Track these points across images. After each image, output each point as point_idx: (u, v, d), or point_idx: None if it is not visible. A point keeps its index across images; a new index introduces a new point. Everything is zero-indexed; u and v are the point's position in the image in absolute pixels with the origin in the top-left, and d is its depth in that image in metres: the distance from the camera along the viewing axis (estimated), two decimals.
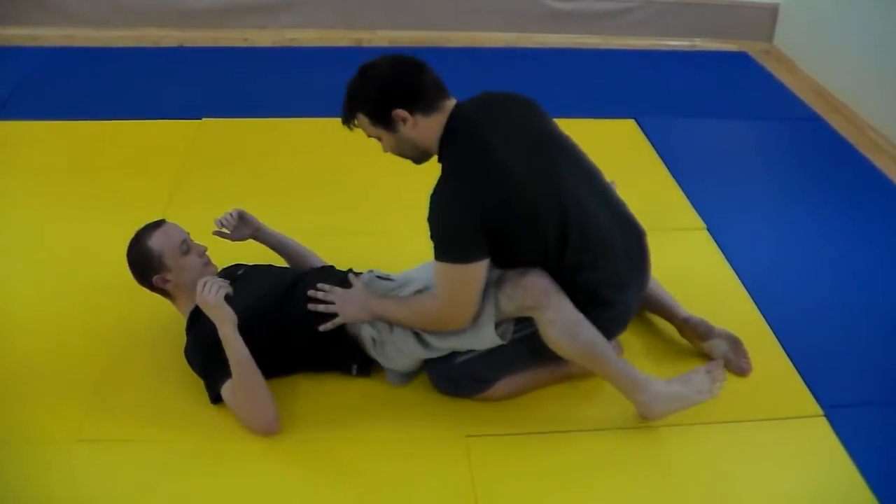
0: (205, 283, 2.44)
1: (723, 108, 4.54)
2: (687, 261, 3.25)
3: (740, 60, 5.22)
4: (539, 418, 2.51)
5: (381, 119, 2.33)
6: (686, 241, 3.36)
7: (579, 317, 2.33)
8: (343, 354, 2.57)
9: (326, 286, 2.52)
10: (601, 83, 4.79)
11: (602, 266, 2.38)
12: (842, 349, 2.84)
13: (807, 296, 3.08)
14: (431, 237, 2.30)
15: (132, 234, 2.64)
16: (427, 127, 2.34)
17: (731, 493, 2.33)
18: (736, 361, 2.71)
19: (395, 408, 2.52)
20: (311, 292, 2.51)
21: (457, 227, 2.28)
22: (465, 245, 2.27)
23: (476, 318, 2.34)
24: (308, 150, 3.90)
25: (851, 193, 3.77)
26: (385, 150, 2.44)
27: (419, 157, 2.43)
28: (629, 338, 2.79)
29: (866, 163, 4.04)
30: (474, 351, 2.43)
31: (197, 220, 2.82)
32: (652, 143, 4.07)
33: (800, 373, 2.72)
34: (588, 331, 2.35)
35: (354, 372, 2.59)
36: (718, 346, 2.73)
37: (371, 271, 2.68)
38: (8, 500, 2.21)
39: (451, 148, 2.34)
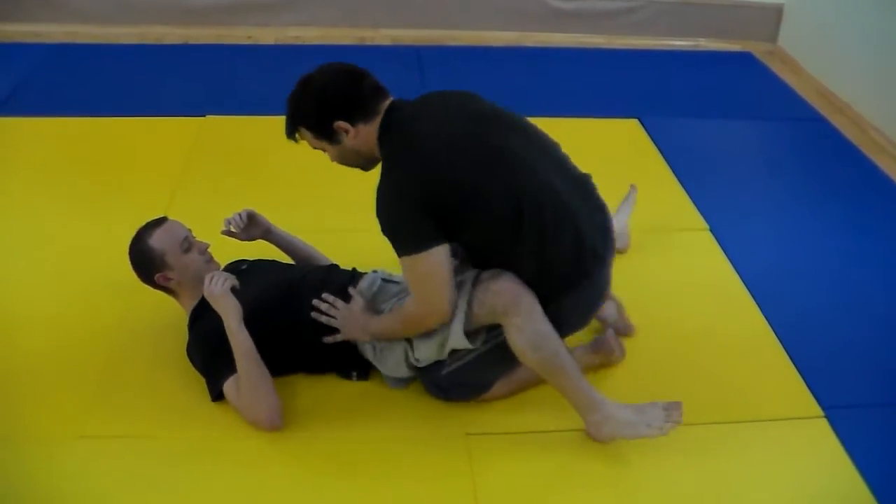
0: (212, 277, 2.46)
1: (726, 108, 4.54)
2: (689, 261, 3.25)
3: (744, 61, 5.22)
4: (540, 417, 2.51)
5: (324, 132, 2.34)
6: (689, 241, 3.37)
7: (548, 328, 2.30)
8: (343, 360, 2.57)
9: (330, 298, 2.50)
10: (604, 83, 4.78)
11: (569, 240, 2.32)
12: (843, 350, 2.84)
13: (808, 297, 3.08)
14: (383, 233, 2.30)
15: (135, 232, 2.64)
16: (368, 133, 2.33)
17: (732, 494, 2.33)
18: (623, 324, 2.80)
19: (396, 406, 2.52)
20: (315, 302, 2.50)
21: (400, 217, 2.26)
22: (413, 235, 2.25)
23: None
24: (311, 148, 3.89)
25: (854, 194, 3.76)
26: (332, 161, 2.45)
27: (365, 164, 2.43)
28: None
29: (869, 164, 4.04)
30: (458, 358, 2.41)
31: (200, 216, 2.82)
32: (655, 143, 4.07)
33: (801, 373, 2.72)
34: (553, 343, 2.31)
35: (354, 378, 2.60)
36: (609, 308, 2.78)
37: (376, 272, 2.67)
38: (11, 497, 2.22)
39: (384, 140, 2.33)
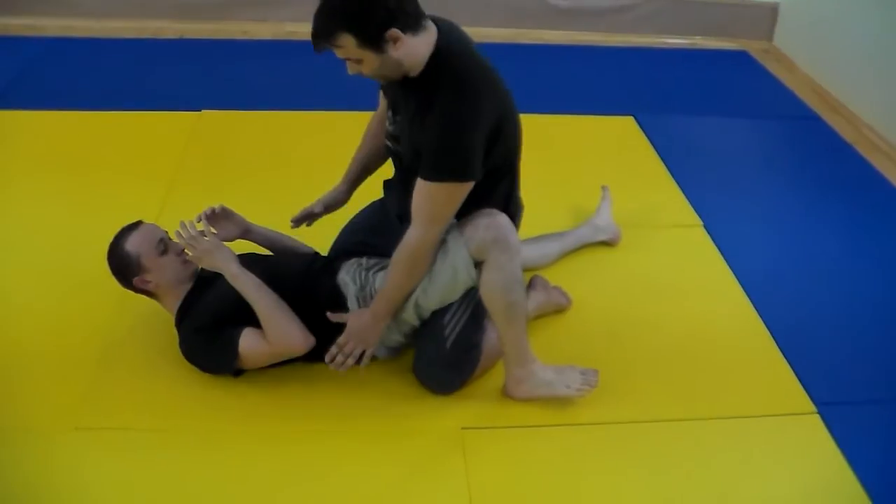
0: (189, 244, 2.49)
1: (721, 106, 4.55)
2: (683, 257, 3.26)
3: (740, 59, 5.23)
4: (534, 412, 2.51)
5: (372, 39, 2.16)
6: (682, 237, 3.37)
7: (521, 275, 2.38)
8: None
9: (341, 340, 2.45)
10: (600, 80, 4.79)
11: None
12: (836, 347, 2.85)
13: (802, 294, 3.09)
14: (437, 153, 2.24)
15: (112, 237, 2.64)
16: (416, 46, 2.22)
17: (723, 489, 2.33)
18: (562, 298, 2.92)
19: (391, 400, 2.53)
20: (328, 361, 2.46)
21: (471, 141, 2.23)
22: (470, 161, 2.24)
23: (445, 261, 2.37)
24: (308, 143, 3.90)
25: (848, 193, 3.78)
26: (356, 73, 2.28)
27: (395, 77, 2.30)
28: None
29: (864, 163, 4.05)
30: (456, 322, 2.46)
31: (195, 211, 2.81)
32: (650, 141, 4.08)
33: (794, 370, 2.73)
34: (522, 290, 2.42)
35: None
36: (553, 294, 2.91)
37: (356, 261, 2.66)
38: (4, 488, 2.22)
39: (448, 60, 2.27)
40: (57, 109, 4.11)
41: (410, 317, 2.49)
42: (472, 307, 2.48)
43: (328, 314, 2.47)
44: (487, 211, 2.37)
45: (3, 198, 3.42)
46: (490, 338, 2.55)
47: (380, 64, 2.22)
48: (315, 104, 4.19)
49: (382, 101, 2.67)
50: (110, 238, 2.60)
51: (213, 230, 2.67)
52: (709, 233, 3.38)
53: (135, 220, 2.66)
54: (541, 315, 2.86)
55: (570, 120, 4.26)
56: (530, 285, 2.88)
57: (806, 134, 4.31)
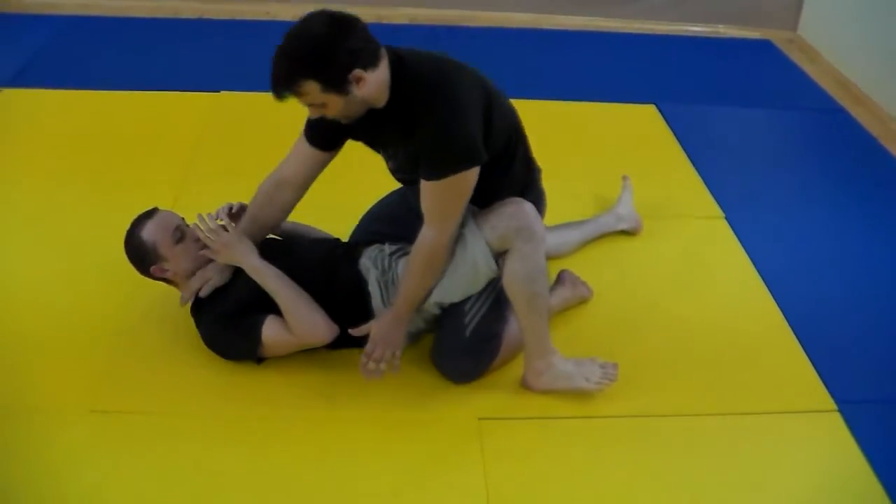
0: (207, 234, 2.48)
1: (744, 96, 4.50)
2: (704, 249, 3.23)
3: (763, 48, 5.17)
4: (551, 403, 2.50)
5: (337, 84, 2.13)
6: (704, 229, 3.34)
7: (545, 265, 2.37)
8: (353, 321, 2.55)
9: (368, 348, 2.41)
10: (622, 67, 4.75)
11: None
12: (858, 344, 2.83)
13: (824, 289, 3.06)
14: (435, 152, 2.22)
15: (142, 210, 2.62)
16: (377, 78, 2.18)
17: (742, 485, 2.32)
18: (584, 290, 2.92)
19: (409, 389, 2.52)
20: (361, 371, 2.42)
21: (467, 129, 2.21)
22: (474, 146, 2.22)
23: (465, 254, 2.37)
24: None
25: (872, 186, 3.73)
26: (319, 115, 2.26)
27: (359, 114, 2.26)
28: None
29: (888, 156, 4.00)
30: (476, 311, 2.45)
31: (212, 192, 2.82)
32: (672, 130, 4.04)
33: (815, 366, 2.70)
34: (546, 280, 2.40)
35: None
36: (579, 288, 2.90)
37: (377, 247, 2.64)
38: (22, 468, 2.23)
39: (416, 73, 2.24)
40: (74, 88, 4.11)
41: (431, 306, 2.48)
42: (494, 296, 2.46)
43: (350, 330, 2.45)
44: (511, 199, 2.36)
45: (21, 177, 3.42)
46: (512, 328, 2.54)
47: (344, 105, 2.19)
48: None
49: (295, 159, 2.58)
50: (127, 219, 2.58)
51: (232, 225, 2.62)
52: (730, 225, 3.35)
53: (150, 208, 2.63)
54: (565, 309, 2.84)
55: (591, 107, 4.22)
56: (558, 280, 2.87)
57: (830, 126, 4.27)
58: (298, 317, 2.43)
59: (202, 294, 2.52)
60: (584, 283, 2.91)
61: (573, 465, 2.35)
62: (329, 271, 2.55)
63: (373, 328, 2.42)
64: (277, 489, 2.23)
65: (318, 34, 2.13)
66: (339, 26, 2.15)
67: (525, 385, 2.53)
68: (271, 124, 3.88)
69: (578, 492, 2.27)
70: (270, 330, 2.44)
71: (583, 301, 2.90)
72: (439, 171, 2.23)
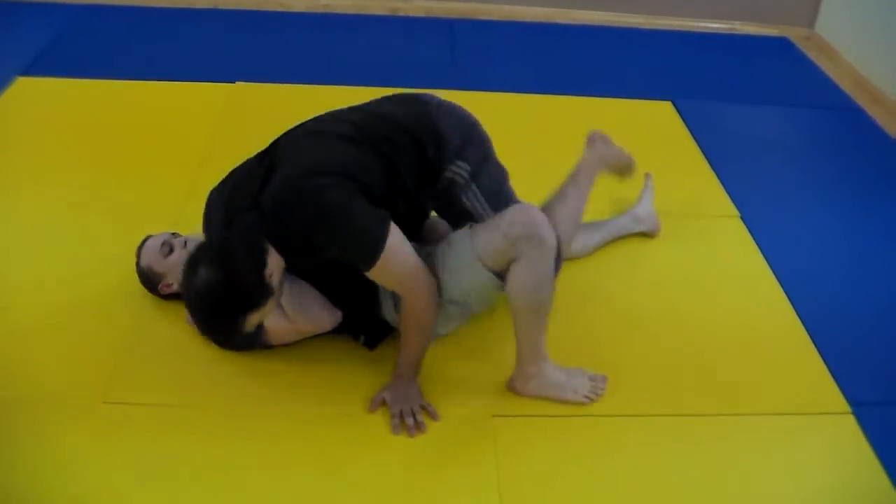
0: None
1: (761, 93, 4.47)
2: (719, 248, 3.21)
3: (781, 46, 5.14)
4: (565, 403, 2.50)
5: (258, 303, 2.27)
6: (719, 228, 3.33)
7: (552, 274, 2.34)
8: (356, 322, 2.56)
9: (393, 412, 2.40)
10: (639, 63, 4.73)
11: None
12: (872, 346, 2.81)
13: (839, 290, 3.04)
14: (350, 251, 2.27)
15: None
16: (275, 264, 2.27)
17: (754, 485, 2.31)
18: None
19: (423, 386, 2.50)
20: (396, 431, 2.38)
21: (355, 219, 2.25)
22: (372, 227, 2.26)
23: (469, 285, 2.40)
24: None
25: (889, 186, 3.71)
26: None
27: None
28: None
29: None
30: None
31: None
32: (688, 127, 4.02)
33: (829, 368, 2.69)
34: (550, 289, 2.36)
35: (361, 341, 2.60)
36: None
37: None
38: (36, 458, 2.24)
39: (289, 217, 2.27)
40: (89, 78, 4.11)
41: (449, 307, 2.52)
42: None
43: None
44: (521, 206, 2.36)
45: (35, 166, 3.42)
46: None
47: (277, 296, 2.31)
48: (349, 79, 4.16)
49: None
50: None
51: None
52: (746, 224, 3.33)
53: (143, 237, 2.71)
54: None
55: (606, 103, 4.20)
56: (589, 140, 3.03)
57: (847, 125, 4.24)
58: (296, 307, 2.43)
59: None
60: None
61: (586, 463, 2.34)
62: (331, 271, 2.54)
63: (387, 396, 2.42)
64: (289, 484, 2.22)
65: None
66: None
67: (511, 388, 2.50)
68: (286, 115, 3.87)
69: (591, 490, 2.27)
70: (271, 318, 2.43)
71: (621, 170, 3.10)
72: (365, 263, 2.26)
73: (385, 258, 2.25)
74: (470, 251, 2.36)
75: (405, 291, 2.35)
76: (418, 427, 2.36)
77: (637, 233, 3.19)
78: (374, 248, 2.24)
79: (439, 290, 2.42)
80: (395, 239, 2.28)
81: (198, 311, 2.33)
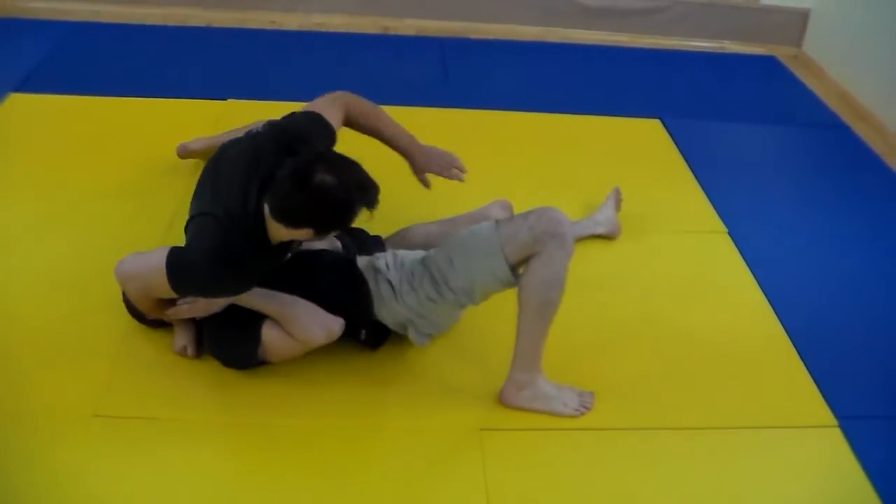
0: (178, 314, 2.50)
1: (749, 111, 4.50)
2: (706, 264, 3.24)
3: (768, 64, 5.19)
4: (554, 415, 2.51)
5: None
6: (706, 244, 3.35)
7: (565, 278, 2.38)
8: (355, 322, 2.56)
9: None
10: (627, 81, 4.76)
11: None
12: (858, 360, 2.83)
13: (826, 305, 3.07)
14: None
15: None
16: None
17: (742, 499, 2.33)
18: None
19: (410, 398, 2.53)
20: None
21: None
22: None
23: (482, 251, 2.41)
24: None
25: (874, 203, 3.74)
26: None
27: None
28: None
29: (890, 172, 4.02)
30: None
31: None
32: (676, 144, 4.05)
33: (815, 382, 2.71)
34: (561, 292, 2.39)
35: (363, 336, 2.60)
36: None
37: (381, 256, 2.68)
38: (25, 472, 2.24)
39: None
40: (82, 94, 4.11)
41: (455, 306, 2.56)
42: None
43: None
44: (549, 207, 2.41)
45: (26, 182, 3.43)
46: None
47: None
48: None
49: None
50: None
51: None
52: (733, 240, 3.36)
53: None
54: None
55: (596, 121, 4.23)
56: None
57: (832, 142, 4.28)
58: (293, 324, 2.43)
59: (190, 355, 2.58)
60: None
61: (574, 476, 2.35)
62: (323, 268, 2.58)
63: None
64: (278, 496, 2.23)
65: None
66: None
67: (501, 398, 2.52)
68: None
69: (579, 503, 2.28)
70: (270, 333, 2.44)
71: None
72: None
73: None
74: (495, 239, 2.39)
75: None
76: None
77: (597, 235, 3.24)
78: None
79: (446, 275, 2.45)
80: None
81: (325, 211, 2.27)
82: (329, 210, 2.25)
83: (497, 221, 2.45)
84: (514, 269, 2.41)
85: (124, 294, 2.62)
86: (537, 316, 2.40)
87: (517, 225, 2.39)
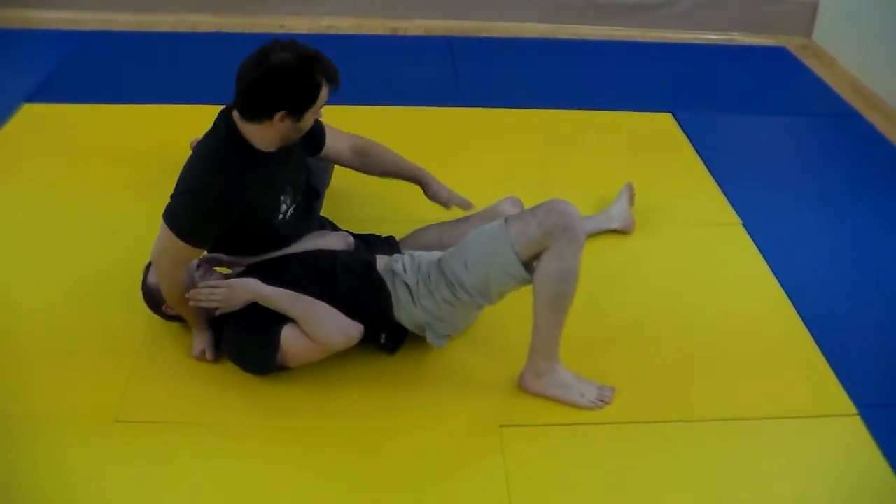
0: (197, 298, 2.50)
1: (760, 103, 4.50)
2: (722, 256, 3.24)
3: (778, 55, 5.17)
4: (574, 410, 2.51)
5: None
6: (722, 236, 3.35)
7: (578, 270, 2.39)
8: (374, 325, 2.56)
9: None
10: (638, 76, 4.76)
11: None
12: (877, 348, 2.83)
13: (842, 293, 3.06)
14: None
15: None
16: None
17: (763, 490, 2.32)
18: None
19: (429, 397, 2.53)
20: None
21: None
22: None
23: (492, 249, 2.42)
24: None
25: (890, 190, 3.73)
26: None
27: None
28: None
29: None
30: None
31: None
32: (689, 138, 4.05)
33: (834, 371, 2.70)
34: (575, 283, 2.41)
35: (382, 340, 2.60)
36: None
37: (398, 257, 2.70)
38: (47, 477, 2.25)
39: None
40: (94, 103, 4.14)
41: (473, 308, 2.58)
42: None
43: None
44: (558, 199, 2.40)
45: (43, 190, 3.45)
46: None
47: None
48: (350, 99, 4.15)
49: None
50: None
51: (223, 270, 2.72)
52: (748, 231, 3.35)
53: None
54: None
55: (607, 116, 4.23)
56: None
57: (846, 131, 4.27)
58: (314, 328, 2.43)
59: (209, 358, 2.60)
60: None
61: (595, 471, 2.35)
62: (328, 277, 2.57)
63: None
64: (300, 498, 2.24)
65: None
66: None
67: (521, 384, 2.54)
68: None
69: (601, 498, 2.28)
70: (289, 337, 2.45)
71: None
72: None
73: None
74: (505, 237, 2.39)
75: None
76: None
77: (611, 230, 3.25)
78: None
79: (461, 277, 2.45)
80: None
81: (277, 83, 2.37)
82: (291, 82, 2.37)
83: (506, 219, 2.45)
84: (526, 265, 2.41)
85: (143, 283, 2.65)
86: (552, 309, 2.41)
87: (526, 221, 2.39)
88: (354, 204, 3.38)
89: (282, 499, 2.24)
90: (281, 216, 2.59)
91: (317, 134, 2.71)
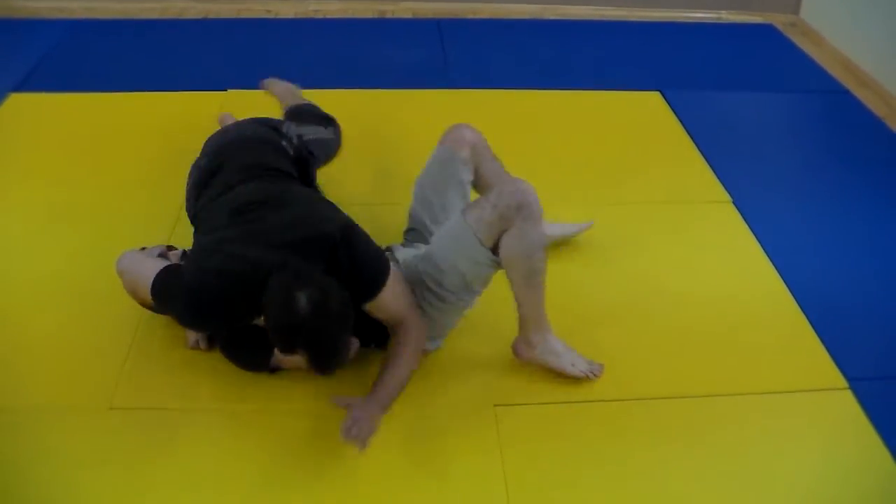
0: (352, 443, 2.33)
1: (748, 80, 4.51)
2: (712, 233, 3.25)
3: (766, 32, 5.18)
4: (567, 388, 2.52)
5: None
6: (712, 213, 3.36)
7: (544, 242, 2.41)
8: (365, 332, 2.55)
9: (347, 424, 2.24)
10: (626, 55, 4.76)
11: None
12: (868, 322, 2.85)
13: (832, 269, 3.08)
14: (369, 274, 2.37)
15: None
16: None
17: (756, 464, 2.34)
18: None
19: (424, 377, 2.53)
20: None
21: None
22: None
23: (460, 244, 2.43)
24: None
25: (879, 168, 3.74)
26: None
27: None
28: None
29: (893, 136, 4.02)
30: None
31: None
32: (677, 116, 4.06)
33: (825, 345, 2.72)
34: (543, 256, 2.42)
35: (373, 347, 2.60)
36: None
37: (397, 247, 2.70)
38: (43, 464, 2.26)
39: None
40: (82, 91, 4.12)
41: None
42: None
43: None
44: (512, 179, 2.43)
45: (32, 181, 3.44)
46: None
47: None
48: (339, 83, 4.19)
49: None
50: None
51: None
52: (738, 209, 3.36)
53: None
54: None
55: (596, 96, 4.24)
56: None
57: (835, 108, 4.28)
58: None
59: (202, 348, 2.60)
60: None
61: (590, 449, 2.37)
62: None
63: (355, 410, 2.29)
64: (297, 480, 2.25)
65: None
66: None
67: (515, 351, 2.56)
68: None
69: (596, 475, 2.30)
70: None
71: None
72: (377, 284, 2.37)
73: (388, 284, 2.37)
74: (466, 229, 2.40)
75: (409, 314, 2.43)
76: (362, 445, 2.24)
77: (571, 234, 3.12)
78: (382, 272, 2.37)
79: (439, 280, 2.46)
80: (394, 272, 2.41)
81: (337, 330, 2.23)
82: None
83: (462, 211, 2.45)
84: (494, 250, 2.41)
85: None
86: (527, 285, 2.43)
87: (482, 207, 2.39)
88: (347, 187, 3.38)
89: (279, 480, 2.25)
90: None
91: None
